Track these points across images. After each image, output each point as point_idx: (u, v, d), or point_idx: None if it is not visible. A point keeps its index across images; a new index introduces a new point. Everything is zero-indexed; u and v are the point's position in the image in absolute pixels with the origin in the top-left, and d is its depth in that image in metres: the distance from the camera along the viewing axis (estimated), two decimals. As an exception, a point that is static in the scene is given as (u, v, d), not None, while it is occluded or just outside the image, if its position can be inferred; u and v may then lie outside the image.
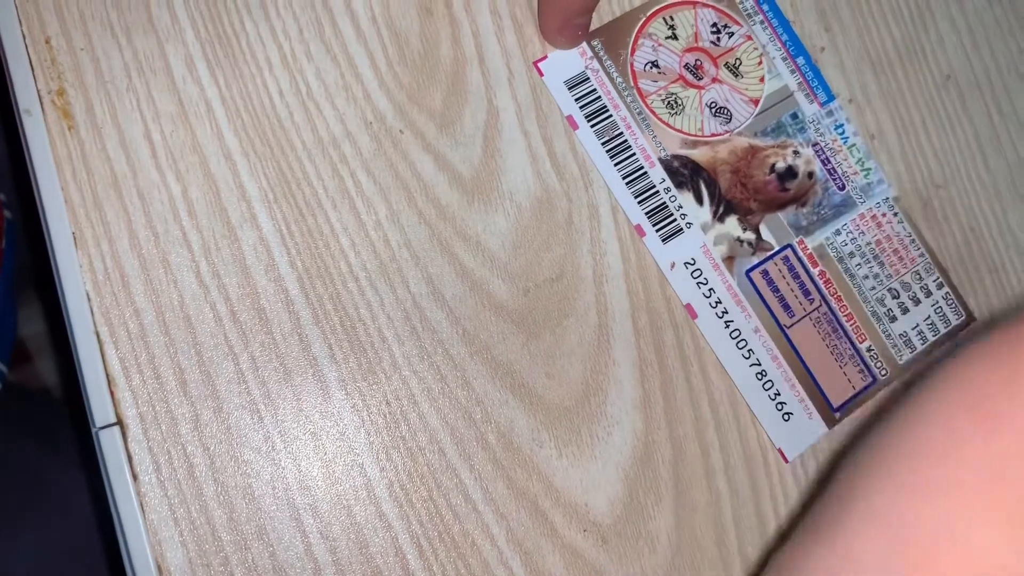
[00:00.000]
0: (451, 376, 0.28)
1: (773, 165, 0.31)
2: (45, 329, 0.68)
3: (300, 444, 0.27)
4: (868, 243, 0.31)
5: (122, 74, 0.27)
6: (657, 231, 0.30)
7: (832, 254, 0.31)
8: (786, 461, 0.29)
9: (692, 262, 0.30)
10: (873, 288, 0.31)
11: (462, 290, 0.28)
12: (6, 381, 0.54)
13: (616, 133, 0.30)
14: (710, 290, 0.30)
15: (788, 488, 0.30)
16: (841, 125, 0.32)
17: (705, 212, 0.30)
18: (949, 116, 0.33)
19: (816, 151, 0.31)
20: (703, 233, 0.30)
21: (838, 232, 0.31)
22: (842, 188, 0.31)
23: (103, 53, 0.27)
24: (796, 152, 0.31)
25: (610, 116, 0.30)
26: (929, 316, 0.31)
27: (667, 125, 0.30)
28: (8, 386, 0.54)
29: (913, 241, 0.31)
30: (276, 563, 0.26)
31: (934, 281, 0.31)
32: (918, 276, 0.31)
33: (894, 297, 0.31)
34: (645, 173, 0.30)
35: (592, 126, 0.30)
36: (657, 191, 0.30)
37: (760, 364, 0.30)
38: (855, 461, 0.21)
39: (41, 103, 0.27)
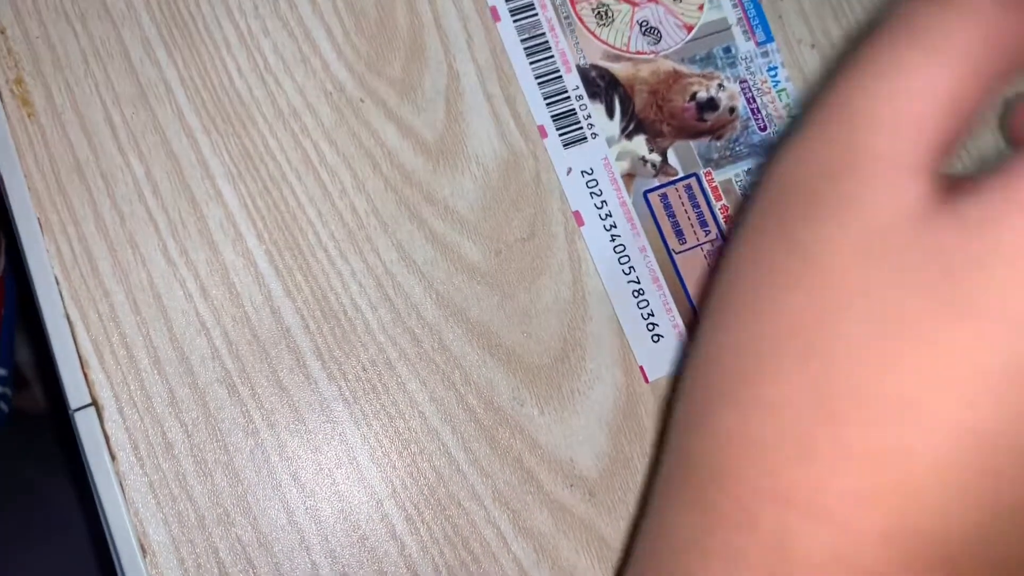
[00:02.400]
0: (427, 340, 0.28)
1: (695, 94, 0.31)
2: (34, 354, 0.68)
3: (278, 416, 0.27)
4: None
5: (79, 60, 0.27)
6: (560, 135, 0.30)
7: (739, 192, 0.31)
8: (646, 381, 0.29)
9: (590, 171, 0.30)
10: None
11: (433, 254, 0.28)
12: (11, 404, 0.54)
13: (538, 32, 0.30)
14: (602, 201, 0.30)
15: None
16: (775, 67, 0.32)
17: (614, 126, 0.30)
18: (914, 55, 0.33)
19: (743, 88, 0.31)
20: (607, 146, 0.30)
21: (750, 171, 0.31)
22: (763, 129, 0.31)
23: (59, 40, 0.27)
24: (721, 85, 0.31)
25: (535, 15, 0.30)
26: None
27: (592, 34, 0.30)
28: (11, 411, 0.54)
29: None
30: (260, 536, 0.26)
31: None
32: None
33: None
34: (560, 77, 0.30)
35: (515, 21, 0.30)
36: (568, 96, 0.30)
37: (639, 283, 0.29)
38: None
39: None
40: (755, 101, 0.31)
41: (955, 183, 0.17)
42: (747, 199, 0.29)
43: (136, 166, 0.27)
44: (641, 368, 0.29)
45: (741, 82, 0.31)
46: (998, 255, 0.15)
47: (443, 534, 0.27)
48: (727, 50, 0.31)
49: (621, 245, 0.29)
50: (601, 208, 0.30)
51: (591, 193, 0.30)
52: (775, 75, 0.32)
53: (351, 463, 0.27)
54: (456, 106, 0.29)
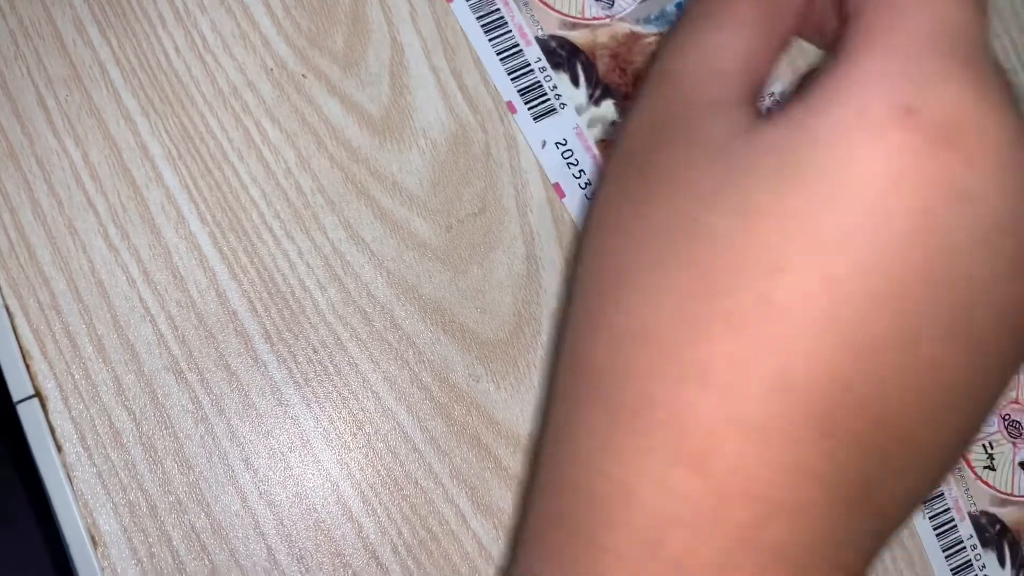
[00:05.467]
0: (379, 319, 0.27)
1: (654, 52, 0.30)
2: None
3: (228, 401, 0.26)
4: None
5: (8, 42, 0.27)
6: (529, 109, 0.29)
7: None
8: None
9: (564, 142, 0.29)
10: None
11: (382, 231, 0.28)
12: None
13: (493, 8, 0.30)
14: (580, 171, 0.29)
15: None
16: None
17: (581, 94, 0.30)
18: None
19: (700, 42, 0.31)
20: (577, 115, 0.30)
21: None
22: None
23: (-13, 22, 0.27)
24: None
25: None
26: None
27: (546, 5, 0.30)
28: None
29: None
30: (214, 522, 0.25)
31: None
32: None
33: None
34: (520, 51, 0.30)
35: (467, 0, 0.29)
36: (532, 69, 0.30)
37: None
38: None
39: (-74, 78, 0.26)
40: (712, 55, 0.31)
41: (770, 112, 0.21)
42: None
43: (73, 150, 0.26)
44: None
45: None
46: (823, 137, 0.18)
47: (401, 514, 0.26)
48: (679, 6, 0.31)
49: None
50: (579, 177, 0.29)
51: (568, 164, 0.29)
52: None
53: (304, 446, 0.26)
54: (401, 80, 0.29)
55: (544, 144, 0.29)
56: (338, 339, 0.27)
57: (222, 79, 0.28)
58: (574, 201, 0.29)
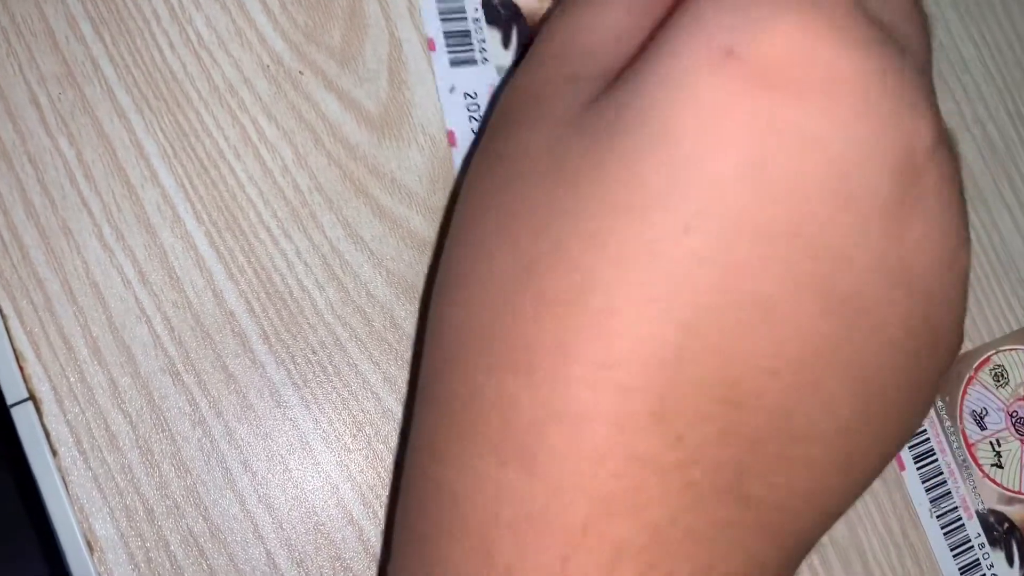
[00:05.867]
0: (378, 319, 0.27)
1: None
2: None
3: (226, 403, 0.26)
4: None
5: (0, 39, 0.26)
6: (449, 52, 0.29)
7: None
8: None
9: (474, 95, 0.29)
10: None
11: (381, 230, 0.27)
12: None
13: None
14: (480, 128, 0.29)
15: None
16: None
17: (507, 56, 0.29)
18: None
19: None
20: (497, 75, 0.29)
21: None
22: None
23: (-22, 19, 0.26)
24: None
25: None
26: None
27: None
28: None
29: None
30: (212, 526, 0.25)
31: None
32: None
33: None
34: None
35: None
36: (465, 17, 0.29)
37: None
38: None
39: (-84, 77, 0.25)
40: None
41: None
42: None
43: (66, 149, 0.26)
44: None
45: None
46: (645, 92, 0.17)
47: (402, 516, 0.26)
48: None
49: None
50: (477, 134, 0.29)
51: (470, 116, 0.29)
52: None
53: (304, 448, 0.26)
54: (399, 75, 0.28)
55: (452, 89, 0.29)
56: (337, 339, 0.27)
57: (218, 76, 0.27)
58: (463, 154, 0.29)
